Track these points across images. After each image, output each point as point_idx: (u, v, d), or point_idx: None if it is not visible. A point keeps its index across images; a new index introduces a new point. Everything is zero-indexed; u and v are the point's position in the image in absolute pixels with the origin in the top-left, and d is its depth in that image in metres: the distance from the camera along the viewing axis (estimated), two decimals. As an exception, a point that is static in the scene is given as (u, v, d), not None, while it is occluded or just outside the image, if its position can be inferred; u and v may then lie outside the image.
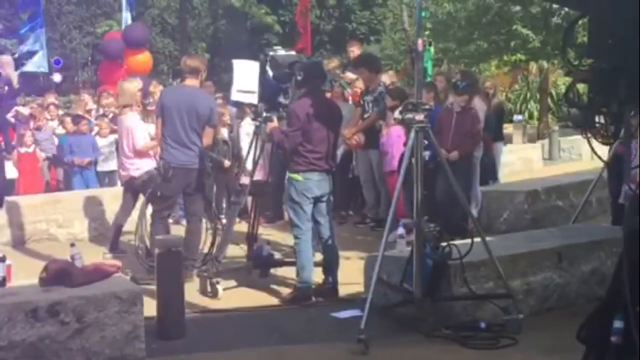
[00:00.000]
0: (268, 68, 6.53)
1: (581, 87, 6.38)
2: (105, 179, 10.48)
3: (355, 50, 10.67)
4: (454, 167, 6.55)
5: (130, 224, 8.02)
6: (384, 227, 5.38)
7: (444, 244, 5.15)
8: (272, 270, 6.94)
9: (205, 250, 7.18)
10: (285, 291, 6.49)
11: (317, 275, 6.36)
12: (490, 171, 10.13)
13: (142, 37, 16.37)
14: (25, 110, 11.71)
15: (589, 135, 6.44)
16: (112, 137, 10.16)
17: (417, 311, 5.11)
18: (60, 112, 12.85)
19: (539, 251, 5.65)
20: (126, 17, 17.74)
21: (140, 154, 7.88)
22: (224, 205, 9.35)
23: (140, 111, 8.56)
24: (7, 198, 9.14)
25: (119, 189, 8.76)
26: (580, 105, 6.47)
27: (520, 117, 20.90)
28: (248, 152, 7.15)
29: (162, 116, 6.94)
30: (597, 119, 6.31)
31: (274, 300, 6.36)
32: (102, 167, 10.48)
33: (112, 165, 10.20)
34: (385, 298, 5.38)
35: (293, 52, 7.37)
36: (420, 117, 5.07)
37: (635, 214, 2.83)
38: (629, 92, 5.20)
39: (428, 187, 5.62)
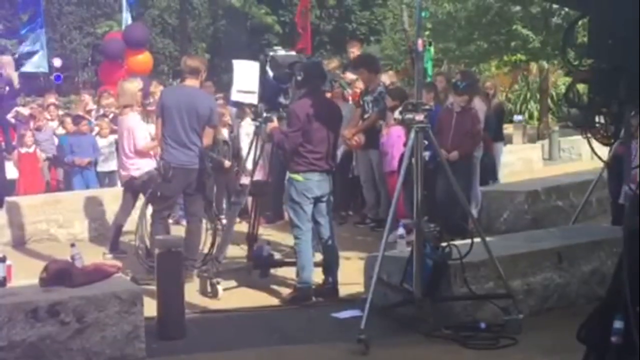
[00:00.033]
0: (268, 68, 6.53)
1: (581, 87, 6.38)
2: (106, 179, 10.48)
3: (355, 51, 10.68)
4: (454, 167, 6.55)
5: (130, 224, 8.02)
6: (384, 228, 5.39)
7: (444, 244, 5.15)
8: (272, 271, 6.95)
9: (206, 251, 7.19)
10: (286, 291, 6.49)
11: (317, 276, 6.36)
12: (490, 171, 10.13)
13: (142, 38, 16.37)
14: (25, 111, 11.72)
15: (589, 135, 6.44)
16: (112, 138, 10.16)
17: (417, 311, 5.11)
18: (60, 112, 12.85)
19: (539, 251, 5.65)
20: (126, 17, 17.76)
21: (140, 154, 7.89)
22: (224, 205, 9.35)
23: (140, 111, 8.56)
24: (8, 198, 9.15)
25: (119, 189, 8.77)
26: (580, 106, 6.47)
27: (520, 117, 20.90)
28: (248, 153, 7.15)
29: (162, 116, 6.94)
30: (597, 119, 6.31)
31: (274, 301, 6.36)
32: (102, 167, 10.49)
33: (112, 165, 10.20)
34: (385, 298, 5.38)
35: (293, 53, 7.37)
36: (420, 117, 5.07)
37: (635, 214, 2.83)
38: (629, 92, 5.20)
39: (428, 188, 5.62)
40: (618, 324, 2.75)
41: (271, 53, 6.70)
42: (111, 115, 10.80)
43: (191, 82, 7.11)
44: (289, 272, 6.68)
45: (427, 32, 19.78)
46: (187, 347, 5.03)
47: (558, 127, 20.16)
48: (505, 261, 5.30)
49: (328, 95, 8.31)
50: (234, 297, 6.43)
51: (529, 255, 5.57)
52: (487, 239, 5.32)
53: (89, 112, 12.10)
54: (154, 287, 5.38)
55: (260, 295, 6.50)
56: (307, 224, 6.22)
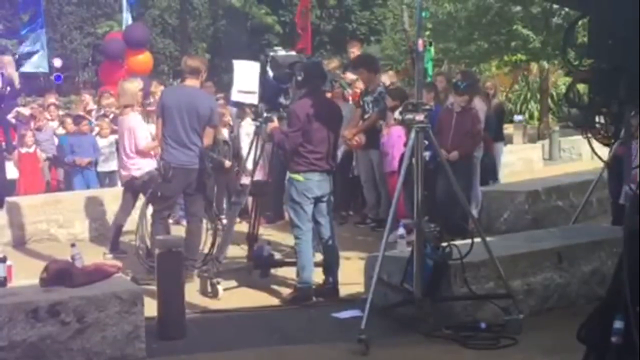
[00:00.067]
0: (268, 68, 6.53)
1: (581, 87, 6.39)
2: (106, 179, 10.49)
3: (355, 51, 10.68)
4: (454, 167, 6.55)
5: (130, 224, 8.03)
6: (385, 227, 5.39)
7: (444, 244, 5.15)
8: (273, 271, 6.95)
9: (206, 251, 7.19)
10: (286, 291, 6.49)
11: (317, 276, 6.36)
12: (490, 171, 10.13)
13: (143, 38, 16.38)
14: (26, 111, 11.72)
15: (589, 135, 6.44)
16: (113, 138, 10.16)
17: (418, 311, 5.11)
18: (61, 112, 12.86)
19: (539, 251, 5.65)
20: (127, 17, 17.77)
21: (142, 153, 7.89)
22: (225, 205, 9.36)
23: (141, 111, 8.56)
24: (8, 198, 9.15)
25: (119, 189, 8.77)
26: (581, 106, 6.48)
27: (520, 117, 20.90)
28: (248, 153, 7.15)
29: (163, 116, 6.94)
30: (597, 119, 6.31)
31: (275, 301, 6.36)
32: (103, 167, 10.49)
33: (112, 165, 10.21)
34: (385, 298, 5.38)
35: (293, 53, 7.37)
36: (420, 117, 5.07)
37: (635, 214, 2.83)
38: (629, 92, 5.20)
39: (428, 188, 5.63)
40: (618, 324, 2.75)
41: (271, 53, 6.70)
42: (111, 116, 10.81)
43: (191, 82, 7.11)
44: (289, 272, 6.68)
45: (427, 32, 19.78)
46: (187, 347, 5.03)
47: (558, 127, 20.17)
48: (506, 261, 5.30)
49: (328, 95, 8.31)
50: (234, 297, 6.43)
51: (529, 255, 5.57)
52: (488, 239, 5.32)
53: (89, 112, 12.11)
54: (154, 287, 5.38)
55: (261, 295, 6.51)
56: (307, 224, 6.22)
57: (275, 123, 6.46)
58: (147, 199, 7.40)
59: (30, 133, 10.94)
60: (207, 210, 7.31)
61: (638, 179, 6.18)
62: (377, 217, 8.86)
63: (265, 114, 6.57)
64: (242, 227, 7.61)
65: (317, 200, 6.23)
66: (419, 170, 5.07)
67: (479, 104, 9.02)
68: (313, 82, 6.34)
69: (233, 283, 6.74)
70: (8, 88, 10.22)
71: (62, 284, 4.70)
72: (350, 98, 9.74)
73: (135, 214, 7.96)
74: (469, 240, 5.18)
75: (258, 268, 6.85)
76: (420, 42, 5.31)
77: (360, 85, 9.30)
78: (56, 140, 11.22)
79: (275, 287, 6.71)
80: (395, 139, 8.41)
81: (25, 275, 5.78)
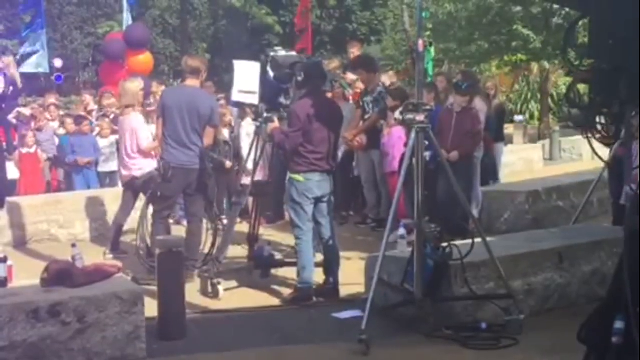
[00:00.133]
0: (269, 69, 6.53)
1: (582, 87, 6.38)
2: (106, 179, 10.49)
3: (355, 52, 10.69)
4: (454, 167, 6.55)
5: (131, 224, 8.03)
6: (385, 228, 5.38)
7: (444, 244, 5.15)
8: (273, 271, 6.95)
9: (206, 251, 7.19)
10: (286, 292, 6.49)
11: (318, 276, 6.36)
12: (491, 171, 10.13)
13: (143, 38, 16.37)
14: (26, 111, 11.71)
15: (590, 135, 6.44)
16: (113, 138, 10.16)
17: (418, 311, 5.11)
18: (61, 112, 12.86)
19: (539, 251, 5.65)
20: (127, 17, 17.77)
21: (143, 154, 7.89)
22: (225, 205, 9.36)
23: (141, 112, 8.56)
24: (9, 199, 9.15)
25: (119, 189, 8.77)
26: (581, 106, 6.48)
27: (521, 117, 20.92)
28: (249, 153, 7.15)
29: (163, 116, 6.95)
30: (597, 120, 6.31)
31: (275, 301, 6.36)
32: (103, 167, 10.49)
33: (113, 165, 10.20)
34: (386, 298, 5.38)
35: (294, 53, 7.37)
36: (421, 117, 5.07)
37: (635, 214, 2.83)
38: (630, 92, 5.20)
39: (429, 188, 5.62)
40: (619, 325, 2.75)
41: (272, 53, 6.70)
42: (112, 116, 10.81)
43: (192, 82, 7.11)
44: (289, 273, 6.69)
45: (427, 33, 19.80)
46: (187, 347, 5.03)
47: (559, 127, 20.17)
48: (506, 261, 5.30)
49: (329, 95, 8.32)
50: (235, 297, 6.43)
51: (530, 256, 5.57)
52: (488, 239, 5.32)
53: (90, 112, 12.11)
54: (154, 287, 5.38)
55: (261, 296, 6.51)
56: (308, 224, 6.22)
57: (276, 123, 6.46)
58: (148, 199, 7.40)
59: (31, 133, 10.94)
60: (207, 210, 7.31)
61: (638, 180, 6.17)
62: (378, 217, 8.86)
63: (265, 114, 6.57)
64: (242, 227, 7.61)
65: (318, 200, 6.23)
66: (419, 171, 5.07)
67: (479, 104, 9.02)
68: (313, 83, 6.34)
69: (233, 283, 6.74)
70: (11, 88, 10.22)
71: (63, 284, 4.70)
72: (350, 98, 9.74)
73: (135, 214, 7.97)
74: (469, 241, 5.19)
75: (258, 268, 6.86)
76: (420, 42, 5.31)
77: (360, 86, 9.30)
78: (57, 141, 11.22)
79: (275, 287, 6.71)
80: (396, 139, 8.41)
81: (26, 275, 5.78)
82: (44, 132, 11.39)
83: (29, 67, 16.98)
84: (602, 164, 7.67)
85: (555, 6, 17.54)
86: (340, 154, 8.02)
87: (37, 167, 10.94)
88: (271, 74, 6.52)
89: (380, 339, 4.85)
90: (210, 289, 6.44)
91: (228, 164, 9.38)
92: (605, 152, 7.32)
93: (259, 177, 7.45)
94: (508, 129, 15.99)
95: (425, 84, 7.29)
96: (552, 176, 11.19)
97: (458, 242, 5.27)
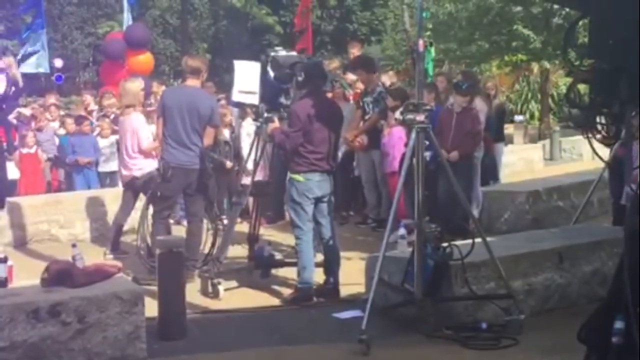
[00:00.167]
0: (269, 69, 6.53)
1: (582, 87, 6.38)
2: (107, 179, 10.49)
3: (355, 52, 10.70)
4: (454, 167, 6.56)
5: (131, 224, 8.03)
6: (385, 228, 5.39)
7: (445, 244, 5.15)
8: (274, 271, 6.95)
9: (207, 251, 7.19)
10: (287, 292, 6.49)
11: (318, 276, 6.36)
12: (491, 172, 10.13)
13: (144, 38, 16.39)
14: (27, 111, 11.72)
15: (590, 135, 6.43)
16: (114, 138, 10.17)
17: (418, 312, 5.11)
18: (61, 112, 12.86)
19: (540, 251, 5.65)
20: (127, 18, 17.78)
21: (144, 154, 7.90)
22: (225, 205, 9.35)
23: (141, 112, 8.57)
24: (9, 199, 9.16)
25: (120, 189, 8.77)
26: (582, 106, 6.48)
27: (521, 117, 20.91)
28: (249, 153, 7.15)
29: (163, 116, 6.95)
30: (598, 120, 6.31)
31: (275, 301, 6.36)
32: (103, 167, 10.50)
33: (113, 165, 10.21)
34: (386, 298, 5.39)
35: (294, 53, 7.37)
36: (421, 117, 5.07)
37: (635, 214, 2.83)
38: (630, 92, 5.20)
39: (429, 188, 5.62)
40: (619, 325, 2.75)
41: (272, 53, 6.70)
42: (112, 116, 10.81)
43: (192, 82, 7.11)
44: (290, 273, 6.69)
45: (428, 33, 19.80)
46: (188, 347, 5.04)
47: (559, 127, 20.18)
48: (506, 261, 5.30)
49: (329, 95, 8.32)
50: (235, 297, 6.44)
51: (530, 256, 5.57)
52: (488, 239, 5.32)
53: (90, 112, 12.12)
54: (155, 288, 5.38)
55: (262, 296, 6.51)
56: (308, 224, 6.22)
57: (276, 123, 6.46)
58: (148, 199, 7.40)
59: (32, 133, 10.95)
60: (207, 210, 7.31)
61: (639, 180, 6.17)
62: (378, 218, 8.86)
63: (266, 114, 6.57)
64: (242, 227, 7.61)
65: (318, 200, 6.23)
66: (419, 171, 5.07)
67: (479, 105, 9.02)
68: (314, 83, 6.34)
69: (234, 283, 6.74)
70: (13, 88, 10.23)
71: (63, 285, 4.70)
72: (351, 98, 9.74)
73: (135, 214, 7.97)
74: (469, 241, 5.19)
75: (259, 268, 6.86)
76: (420, 42, 5.31)
77: (360, 86, 9.31)
78: (57, 141, 11.22)
79: (276, 287, 6.71)
80: (396, 139, 8.41)
81: (26, 275, 5.78)
82: (44, 132, 11.40)
83: (29, 67, 16.97)
84: (602, 164, 7.67)
85: (556, 6, 17.53)
86: (340, 154, 8.02)
87: (37, 167, 10.94)
88: (271, 74, 6.52)
89: (380, 339, 4.85)
90: (210, 289, 6.44)
91: (228, 164, 9.38)
92: (605, 152, 7.32)
93: (259, 177, 7.45)
94: (508, 129, 15.99)
95: (425, 84, 7.30)
96: (553, 176, 11.19)
97: (458, 242, 5.27)
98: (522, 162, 14.58)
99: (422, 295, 5.04)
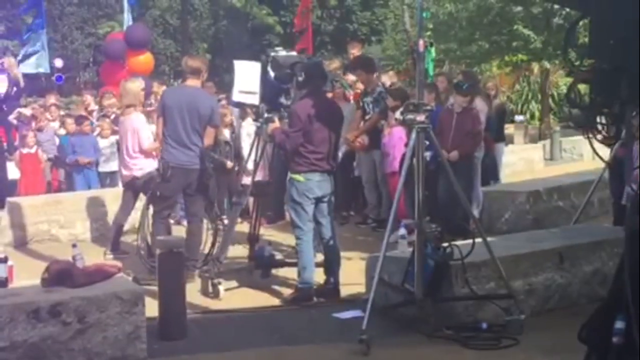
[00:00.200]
0: (269, 69, 6.53)
1: (582, 87, 6.38)
2: (107, 179, 10.50)
3: (355, 52, 10.70)
4: (455, 167, 6.55)
5: (131, 224, 8.03)
6: (386, 228, 5.38)
7: (445, 244, 5.15)
8: (274, 271, 6.95)
9: (207, 251, 7.19)
10: (287, 292, 6.49)
11: (318, 276, 6.36)
12: (491, 172, 10.13)
13: (144, 38, 16.40)
14: (27, 111, 11.72)
15: (591, 135, 6.43)
16: (114, 138, 10.17)
17: (419, 312, 5.11)
18: (62, 112, 12.87)
19: (540, 252, 5.65)
20: (128, 18, 17.78)
21: (144, 154, 7.90)
22: (226, 205, 9.35)
23: (141, 112, 8.57)
24: (9, 199, 9.16)
25: (120, 189, 8.77)
26: (582, 106, 6.47)
27: (521, 117, 20.89)
28: (249, 153, 7.15)
29: (164, 116, 6.95)
30: (598, 120, 6.31)
31: (276, 301, 6.36)
32: (104, 167, 10.50)
33: (113, 166, 10.21)
34: (386, 298, 5.38)
35: (294, 53, 7.37)
36: (421, 117, 5.07)
37: (635, 214, 2.83)
38: (630, 92, 5.20)
39: (429, 188, 5.62)
40: (619, 325, 2.75)
41: (272, 53, 6.71)
42: (112, 116, 10.81)
43: (192, 82, 7.11)
44: (290, 273, 6.69)
45: (428, 33, 19.79)
46: (188, 347, 5.04)
47: (559, 127, 20.17)
48: (507, 261, 5.30)
49: (329, 95, 8.32)
50: (235, 297, 6.43)
51: (531, 256, 5.57)
52: (489, 239, 5.32)
53: (90, 112, 12.12)
54: (155, 288, 5.38)
55: (262, 296, 6.51)
56: (308, 224, 6.22)
57: (277, 123, 6.46)
58: (148, 199, 7.40)
59: (32, 133, 10.95)
60: (207, 210, 7.31)
61: (639, 180, 6.17)
62: (378, 218, 8.86)
63: (266, 115, 6.57)
64: (243, 227, 7.61)
65: (318, 200, 6.23)
66: (420, 171, 5.07)
67: (480, 105, 9.02)
68: (314, 83, 6.34)
69: (234, 283, 6.74)
70: (14, 88, 10.24)
71: (63, 285, 4.71)
72: (351, 98, 9.75)
73: (135, 214, 7.97)
74: (470, 241, 5.18)
75: (259, 268, 6.86)
76: (421, 42, 5.31)
77: (360, 86, 9.31)
78: (57, 141, 11.23)
79: (276, 287, 6.71)
80: (397, 140, 8.40)
81: (27, 275, 5.77)
82: (44, 132, 11.40)
83: (28, 67, 16.98)
84: (602, 164, 7.67)
85: (556, 6, 17.52)
86: (340, 154, 8.02)
87: (37, 167, 10.94)
88: (272, 74, 6.52)
89: (380, 339, 4.85)
90: (210, 289, 6.44)
91: (229, 164, 9.38)
92: (605, 152, 7.32)
93: (259, 177, 7.45)
94: (509, 129, 15.98)
95: (425, 84, 7.30)
96: (553, 176, 11.19)
97: (459, 242, 5.27)
98: (522, 162, 14.58)
99: (423, 295, 5.04)
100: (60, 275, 4.77)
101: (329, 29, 33.39)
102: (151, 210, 7.27)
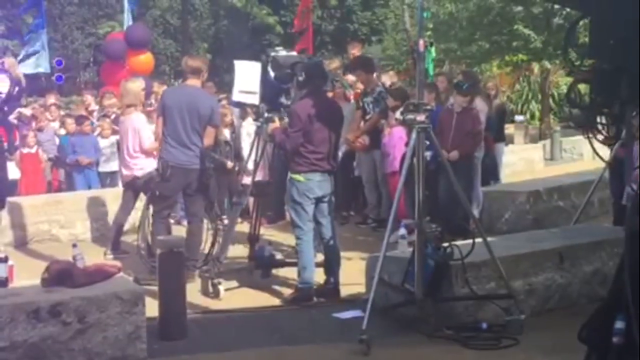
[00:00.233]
0: (269, 69, 6.53)
1: (583, 87, 6.38)
2: (107, 179, 10.50)
3: (355, 52, 10.70)
4: (455, 167, 6.55)
5: (132, 224, 8.02)
6: (386, 228, 5.38)
7: (445, 244, 5.15)
8: (274, 271, 6.95)
9: (207, 251, 7.19)
10: (287, 292, 6.49)
11: (318, 276, 6.36)
12: (491, 172, 10.13)
13: (144, 38, 16.40)
14: (27, 111, 11.72)
15: (591, 135, 6.44)
16: (114, 138, 10.18)
17: (419, 312, 5.11)
18: (62, 112, 12.87)
19: (540, 252, 5.65)
20: (128, 18, 17.78)
21: (145, 153, 7.90)
22: (226, 205, 9.35)
23: (141, 111, 8.57)
24: (10, 199, 9.14)
25: (120, 189, 8.77)
26: (582, 106, 6.48)
27: (521, 117, 20.90)
28: (250, 153, 7.15)
29: (163, 116, 6.95)
30: (598, 120, 6.31)
31: (276, 301, 6.36)
32: (104, 167, 10.51)
33: (113, 166, 10.21)
34: (386, 298, 5.38)
35: (294, 53, 7.37)
36: (421, 117, 5.07)
37: (635, 214, 2.83)
38: (630, 92, 5.20)
39: (429, 188, 5.63)
40: (619, 325, 2.75)
41: (273, 53, 6.71)
42: (113, 116, 10.82)
43: (193, 82, 7.11)
44: (290, 273, 6.69)
45: (428, 33, 19.80)
46: (188, 347, 5.04)
47: (559, 127, 20.18)
48: (507, 261, 5.30)
49: (329, 95, 8.32)
50: (236, 297, 6.43)
51: (531, 256, 5.57)
52: (489, 239, 5.32)
53: (91, 112, 12.12)
54: (155, 288, 5.38)
55: (262, 296, 6.51)
56: (308, 224, 6.22)
57: (277, 123, 6.46)
58: (148, 199, 7.40)
59: (32, 133, 10.95)
60: (207, 210, 7.31)
61: (639, 180, 6.17)
62: (378, 218, 8.87)
63: (266, 114, 6.57)
64: (243, 227, 7.62)
65: (318, 200, 6.23)
66: (420, 171, 5.07)
67: (480, 105, 9.02)
68: (314, 83, 6.34)
69: (234, 283, 6.74)
70: (16, 88, 10.24)
71: (64, 285, 4.71)
72: (351, 98, 9.75)
73: (136, 214, 7.97)
74: (470, 241, 5.19)
75: (259, 268, 6.86)
76: (421, 42, 5.31)
77: (360, 86, 9.31)
78: (57, 141, 11.23)
79: (276, 287, 6.71)
80: (397, 140, 8.41)
81: (27, 275, 5.77)
82: (44, 132, 11.40)
83: (28, 67, 16.98)
84: (602, 164, 7.67)
85: (556, 6, 17.53)
86: (340, 154, 8.02)
87: (38, 167, 10.94)
88: (272, 74, 6.52)
89: (381, 339, 4.86)
90: (211, 289, 6.44)
91: (229, 164, 9.38)
92: (606, 152, 7.32)
93: (259, 177, 7.45)
94: (509, 129, 15.99)
95: (426, 84, 7.30)
96: (553, 176, 11.19)
97: (459, 242, 5.27)
98: (522, 162, 14.58)
99: (423, 295, 5.04)
100: (61, 275, 4.77)
101: (329, 29, 33.39)
102: (151, 210, 7.28)
